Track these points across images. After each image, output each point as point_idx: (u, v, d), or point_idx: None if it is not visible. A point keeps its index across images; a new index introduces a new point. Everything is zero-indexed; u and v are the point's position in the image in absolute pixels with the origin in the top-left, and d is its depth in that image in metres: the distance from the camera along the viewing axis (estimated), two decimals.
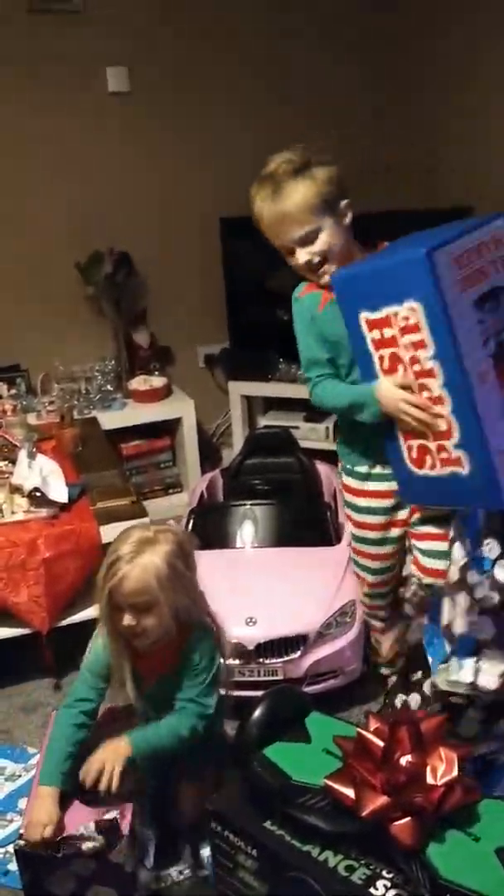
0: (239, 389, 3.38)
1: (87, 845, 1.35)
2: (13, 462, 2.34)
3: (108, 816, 1.40)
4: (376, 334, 1.46)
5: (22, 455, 2.22)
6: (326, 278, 1.59)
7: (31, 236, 3.17)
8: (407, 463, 1.55)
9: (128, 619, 1.46)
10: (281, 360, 3.27)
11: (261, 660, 1.95)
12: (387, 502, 1.76)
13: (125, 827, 1.39)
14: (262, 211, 1.56)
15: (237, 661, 1.95)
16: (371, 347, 1.49)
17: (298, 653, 1.96)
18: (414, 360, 1.43)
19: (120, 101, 3.17)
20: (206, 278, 3.34)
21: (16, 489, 2.18)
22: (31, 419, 2.88)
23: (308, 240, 1.56)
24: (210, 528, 2.37)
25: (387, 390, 1.49)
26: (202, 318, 3.45)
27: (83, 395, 3.17)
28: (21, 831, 1.42)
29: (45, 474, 2.17)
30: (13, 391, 3.09)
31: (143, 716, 1.57)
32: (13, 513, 2.12)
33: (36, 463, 2.20)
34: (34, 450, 2.25)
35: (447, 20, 3.11)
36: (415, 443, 1.52)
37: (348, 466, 1.79)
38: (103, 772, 1.44)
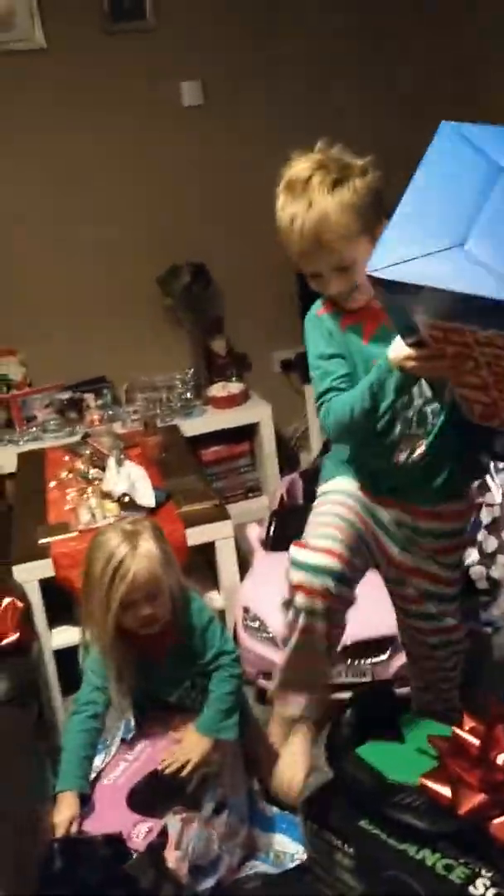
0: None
1: (97, 849, 1.38)
2: (103, 469, 2.43)
3: (136, 827, 1.42)
4: (439, 333, 1.19)
5: (111, 462, 2.30)
6: (356, 304, 1.40)
7: (112, 252, 3.28)
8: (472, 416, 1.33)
9: (146, 610, 1.54)
10: None
11: (349, 661, 1.97)
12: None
13: (143, 843, 1.40)
14: (292, 233, 1.32)
15: None
16: (428, 340, 1.22)
17: (387, 654, 1.96)
18: (496, 364, 1.19)
19: (195, 114, 3.25)
20: (280, 284, 3.37)
21: (106, 495, 2.26)
22: (117, 428, 2.97)
23: (343, 268, 1.34)
24: (292, 529, 2.39)
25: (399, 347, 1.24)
26: (277, 323, 3.48)
27: (165, 404, 3.25)
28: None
29: (134, 480, 2.25)
30: (100, 402, 3.21)
31: (170, 698, 1.67)
32: (105, 517, 2.20)
33: (124, 469, 2.28)
34: (122, 457, 2.33)
35: None
36: (479, 404, 1.29)
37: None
38: (185, 763, 1.53)
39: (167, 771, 1.53)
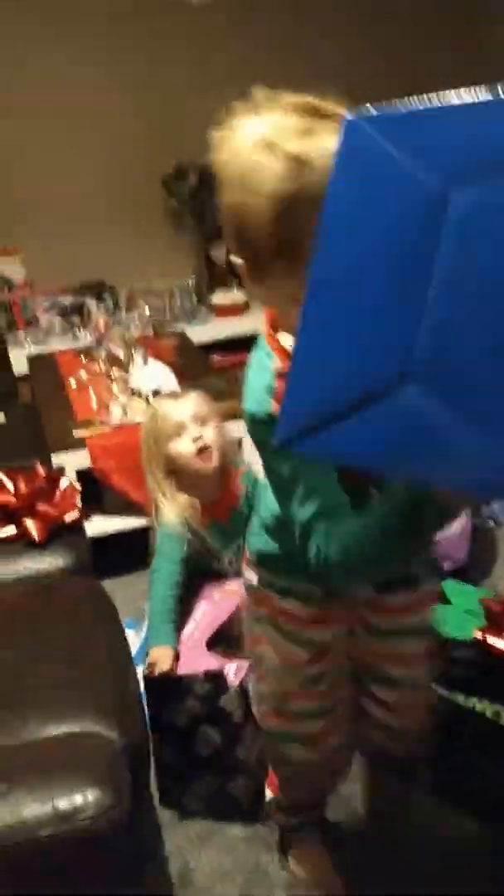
0: None
1: (197, 686, 1.48)
2: (123, 369, 2.46)
3: (225, 667, 1.53)
4: None
5: (138, 360, 2.33)
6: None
7: (115, 153, 3.21)
8: None
9: (195, 432, 1.64)
10: None
11: None
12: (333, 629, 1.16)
13: (236, 680, 1.50)
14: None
15: None
16: None
17: None
18: None
19: (203, 13, 3.15)
20: None
21: (135, 392, 2.30)
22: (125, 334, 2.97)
23: None
24: None
25: None
26: None
27: (169, 310, 3.25)
28: (145, 671, 1.58)
29: (161, 377, 2.29)
30: (102, 306, 3.19)
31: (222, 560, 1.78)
32: (135, 414, 2.25)
33: (150, 367, 2.31)
34: (146, 356, 2.36)
35: None
36: None
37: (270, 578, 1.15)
38: None
39: None
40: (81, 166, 3.19)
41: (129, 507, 2.22)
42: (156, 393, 2.26)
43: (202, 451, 1.69)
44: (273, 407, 0.89)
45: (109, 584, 2.30)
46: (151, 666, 1.55)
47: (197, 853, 1.50)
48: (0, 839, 0.94)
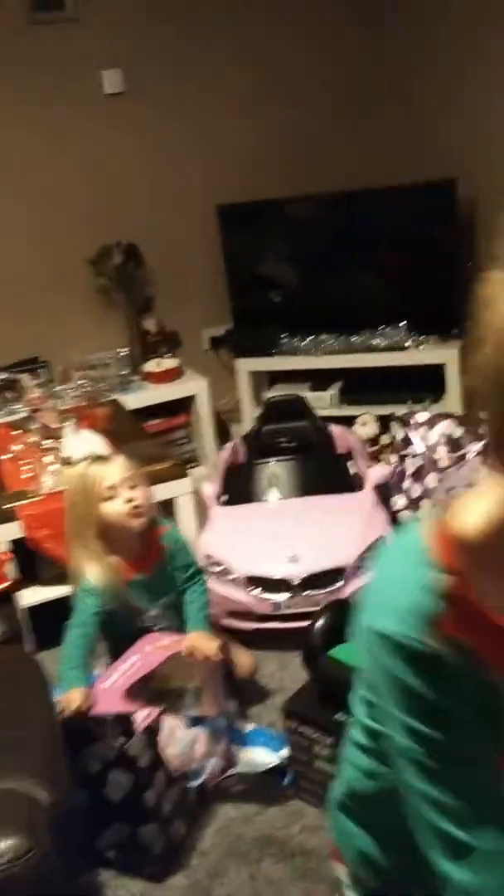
0: (245, 366, 3.60)
1: (106, 728, 1.53)
2: (56, 439, 2.54)
3: (136, 712, 1.58)
4: None
5: (69, 429, 2.42)
6: None
7: (42, 235, 3.35)
8: None
9: (128, 493, 1.82)
10: (283, 335, 3.51)
11: (305, 593, 2.18)
12: None
13: (143, 725, 1.57)
14: None
15: (285, 596, 2.18)
16: None
17: (339, 584, 2.18)
18: None
19: (116, 101, 3.37)
20: (207, 263, 3.56)
21: (66, 461, 2.37)
22: (59, 405, 3.06)
23: None
24: (240, 485, 2.60)
25: None
26: (206, 301, 3.65)
27: (103, 381, 3.36)
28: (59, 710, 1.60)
29: (93, 445, 2.36)
30: (37, 381, 3.28)
31: (150, 614, 1.89)
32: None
33: (82, 436, 2.39)
34: (77, 425, 2.45)
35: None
36: None
37: None
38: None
39: (195, 655, 1.72)
40: (9, 250, 3.32)
41: (65, 576, 2.27)
42: (87, 460, 2.34)
43: (134, 510, 1.81)
44: (436, 643, 0.65)
45: (49, 654, 2.34)
46: (62, 708, 1.59)
47: None
48: None
